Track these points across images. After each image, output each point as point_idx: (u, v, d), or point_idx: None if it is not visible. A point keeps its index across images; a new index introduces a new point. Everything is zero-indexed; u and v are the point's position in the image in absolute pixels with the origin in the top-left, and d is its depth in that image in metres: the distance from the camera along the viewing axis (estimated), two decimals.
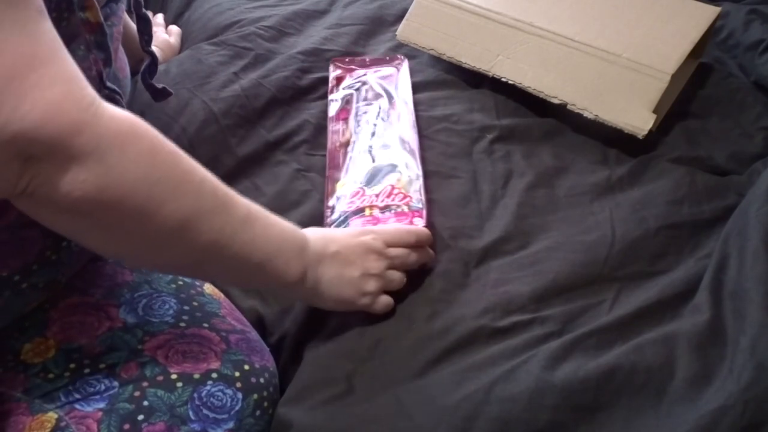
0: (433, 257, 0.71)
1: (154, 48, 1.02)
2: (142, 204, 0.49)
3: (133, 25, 0.75)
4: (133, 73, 0.84)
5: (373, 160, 0.79)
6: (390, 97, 0.89)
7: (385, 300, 0.66)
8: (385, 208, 0.72)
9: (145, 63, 0.76)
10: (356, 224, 0.71)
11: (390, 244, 0.67)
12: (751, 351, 0.59)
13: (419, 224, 0.71)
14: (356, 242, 0.66)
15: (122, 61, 0.69)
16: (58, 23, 0.54)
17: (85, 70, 0.57)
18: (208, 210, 0.53)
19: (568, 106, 0.86)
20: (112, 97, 0.60)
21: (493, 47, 0.91)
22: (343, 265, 0.64)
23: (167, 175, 0.51)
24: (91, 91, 0.48)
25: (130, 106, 0.91)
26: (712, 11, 0.91)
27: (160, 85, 0.79)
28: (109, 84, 0.59)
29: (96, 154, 0.46)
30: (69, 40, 0.56)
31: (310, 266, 0.62)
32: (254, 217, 0.58)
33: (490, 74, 0.91)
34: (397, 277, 0.67)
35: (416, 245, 0.69)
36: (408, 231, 0.70)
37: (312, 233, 0.65)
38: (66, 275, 0.62)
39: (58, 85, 0.45)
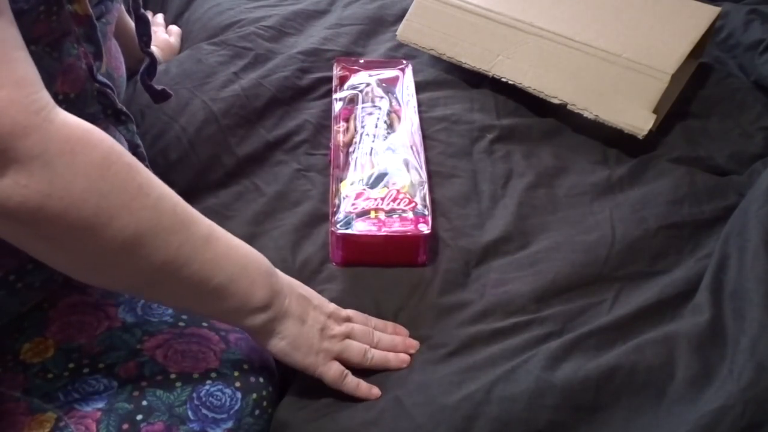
0: (406, 360, 0.65)
1: (153, 48, 1.03)
2: (88, 217, 0.47)
3: (133, 25, 0.74)
4: (133, 74, 0.84)
5: (378, 163, 0.79)
6: (394, 101, 0.89)
7: (338, 368, 0.62)
8: (390, 212, 0.72)
9: (144, 64, 0.76)
10: (361, 226, 0.71)
11: (352, 320, 0.65)
12: (751, 351, 0.59)
13: (424, 230, 0.71)
14: (322, 300, 0.64)
15: (118, 60, 0.68)
16: (48, 17, 0.53)
17: (75, 64, 0.57)
18: (165, 228, 0.51)
19: (568, 106, 0.86)
20: (103, 91, 0.59)
21: (493, 47, 0.91)
22: (308, 311, 0.62)
23: (119, 188, 0.48)
24: (44, 96, 0.46)
25: (129, 107, 0.91)
26: (712, 11, 0.91)
27: (159, 87, 0.78)
28: (99, 77, 0.58)
29: (41, 160, 0.44)
30: (61, 36, 0.56)
31: (280, 294, 0.59)
32: (216, 237, 0.55)
33: (490, 74, 0.91)
34: (355, 346, 0.63)
35: (380, 330, 0.66)
36: (372, 318, 0.67)
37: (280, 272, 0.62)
38: (62, 275, 0.62)
39: (4, 89, 0.43)
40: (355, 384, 0.62)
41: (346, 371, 0.62)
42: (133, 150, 0.64)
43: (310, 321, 0.61)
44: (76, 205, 0.46)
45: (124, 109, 0.62)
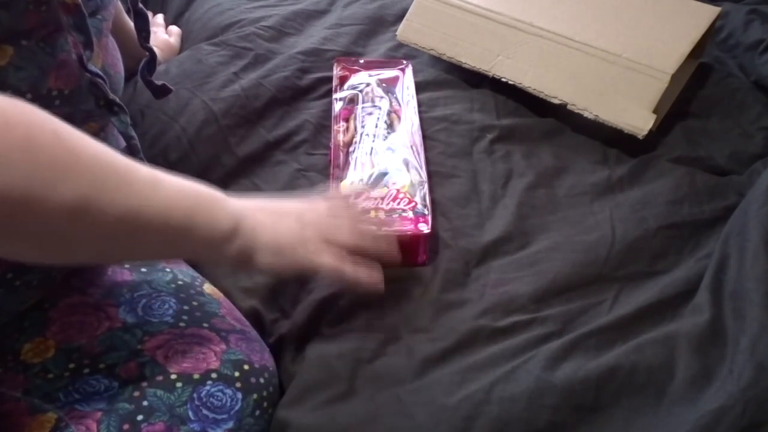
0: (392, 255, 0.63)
1: (153, 47, 1.03)
2: (26, 195, 0.44)
3: (132, 25, 0.74)
4: (132, 74, 0.84)
5: (378, 163, 0.79)
6: (394, 101, 0.89)
7: (333, 252, 0.59)
8: (390, 212, 0.73)
9: (144, 60, 0.76)
10: None
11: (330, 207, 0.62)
12: (751, 351, 0.59)
13: (424, 229, 0.71)
14: (284, 200, 0.62)
15: (114, 57, 0.68)
16: (37, 7, 0.53)
17: (69, 60, 0.56)
18: (107, 185, 0.49)
19: (568, 106, 0.86)
20: (94, 81, 0.59)
21: (493, 47, 0.91)
22: (279, 215, 0.59)
23: (49, 158, 0.46)
24: None
25: (129, 107, 0.91)
26: (712, 11, 0.91)
27: (159, 82, 0.78)
28: (90, 67, 0.58)
29: None
30: (55, 30, 0.55)
31: (243, 214, 0.57)
32: (161, 179, 0.53)
33: (490, 74, 0.91)
34: (344, 230, 0.60)
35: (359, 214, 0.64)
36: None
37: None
38: (61, 273, 0.62)
39: None
40: (358, 271, 0.59)
41: (343, 252, 0.59)
42: (127, 141, 0.64)
43: (284, 220, 0.59)
44: (9, 185, 0.44)
45: (117, 99, 0.62)
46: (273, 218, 0.59)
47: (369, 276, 0.60)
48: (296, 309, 0.70)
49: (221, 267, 0.63)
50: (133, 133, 0.64)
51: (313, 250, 0.59)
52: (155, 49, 1.02)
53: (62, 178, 0.46)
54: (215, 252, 0.56)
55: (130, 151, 0.64)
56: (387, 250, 0.61)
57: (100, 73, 0.59)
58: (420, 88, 0.94)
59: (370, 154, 0.80)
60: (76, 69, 0.58)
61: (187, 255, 0.59)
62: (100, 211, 0.48)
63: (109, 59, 0.65)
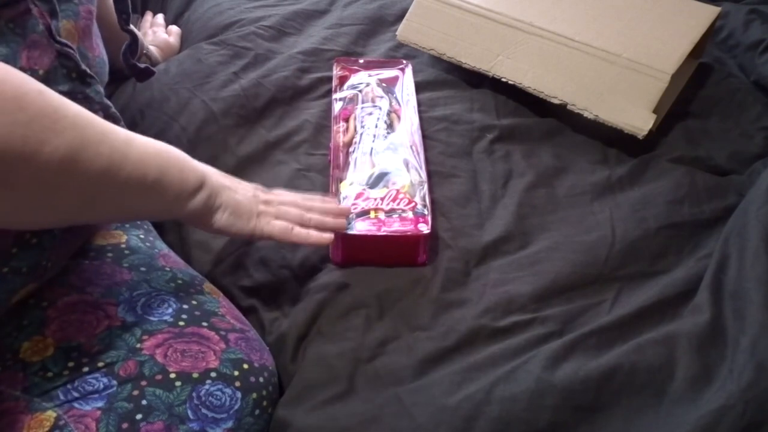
0: (344, 225, 0.70)
1: (152, 47, 1.03)
2: (19, 149, 0.46)
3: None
4: (127, 77, 0.84)
5: (378, 163, 0.79)
6: (394, 101, 0.88)
7: (283, 223, 0.66)
8: (390, 212, 0.73)
9: (125, 43, 0.76)
10: (361, 226, 0.71)
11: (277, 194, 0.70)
12: (751, 351, 0.59)
13: (424, 229, 0.71)
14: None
15: (94, 42, 0.68)
16: None
17: (40, 41, 0.56)
18: (91, 139, 0.51)
19: (568, 106, 0.86)
20: (65, 52, 0.59)
21: (493, 47, 0.91)
22: (235, 183, 0.67)
23: (39, 113, 0.48)
24: None
25: (129, 106, 0.91)
26: (712, 11, 0.92)
27: (142, 65, 0.78)
28: (59, 38, 0.58)
29: None
30: (25, 12, 0.55)
31: (208, 173, 0.63)
32: (134, 138, 0.56)
33: (490, 74, 0.91)
34: (291, 209, 0.68)
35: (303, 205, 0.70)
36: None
37: None
38: (51, 260, 0.61)
39: None
40: (305, 233, 0.65)
41: (292, 225, 0.66)
42: (105, 112, 0.65)
43: (241, 190, 0.66)
44: (3, 140, 0.46)
45: (89, 70, 0.62)
46: (234, 183, 0.66)
47: (318, 238, 0.67)
48: (296, 308, 0.70)
49: (176, 221, 0.72)
50: (110, 103, 0.66)
51: (264, 222, 0.66)
52: (155, 50, 1.03)
53: (53, 132, 0.48)
54: (180, 205, 0.61)
55: (110, 120, 0.65)
56: (333, 227, 0.68)
57: (70, 44, 0.59)
58: (420, 88, 0.94)
59: (370, 154, 0.80)
60: (47, 47, 0.57)
61: (155, 210, 0.63)
62: (87, 163, 0.51)
63: (87, 42, 0.65)
